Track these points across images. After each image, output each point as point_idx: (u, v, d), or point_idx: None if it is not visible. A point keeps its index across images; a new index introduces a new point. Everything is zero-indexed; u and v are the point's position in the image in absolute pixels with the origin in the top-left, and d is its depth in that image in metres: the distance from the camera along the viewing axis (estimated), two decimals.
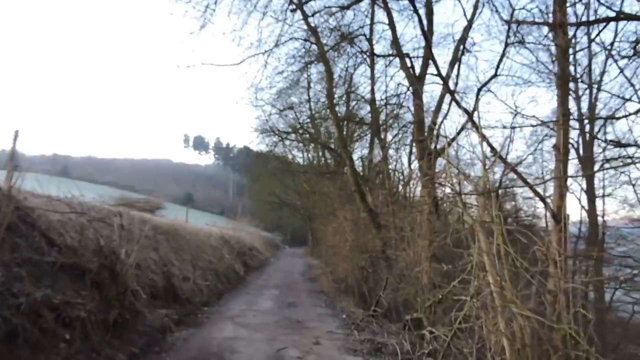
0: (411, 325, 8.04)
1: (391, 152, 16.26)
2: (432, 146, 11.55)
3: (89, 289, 4.87)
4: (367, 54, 13.96)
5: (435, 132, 11.53)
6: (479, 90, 10.55)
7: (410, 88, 12.10)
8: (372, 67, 14.72)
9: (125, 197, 17.26)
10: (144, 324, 5.71)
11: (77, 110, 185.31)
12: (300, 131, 19.38)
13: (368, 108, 18.40)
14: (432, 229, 10.49)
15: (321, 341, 6.54)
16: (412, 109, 12.26)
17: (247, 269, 17.16)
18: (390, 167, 15.95)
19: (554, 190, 7.72)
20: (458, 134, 9.85)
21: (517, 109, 6.90)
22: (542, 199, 7.84)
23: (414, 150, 16.62)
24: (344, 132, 16.61)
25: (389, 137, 16.51)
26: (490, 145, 7.35)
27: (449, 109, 11.10)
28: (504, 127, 7.23)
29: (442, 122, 11.18)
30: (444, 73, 11.62)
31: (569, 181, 9.76)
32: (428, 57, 10.75)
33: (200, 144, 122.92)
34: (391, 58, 14.44)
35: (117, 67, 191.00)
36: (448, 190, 12.72)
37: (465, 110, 7.99)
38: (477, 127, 7.53)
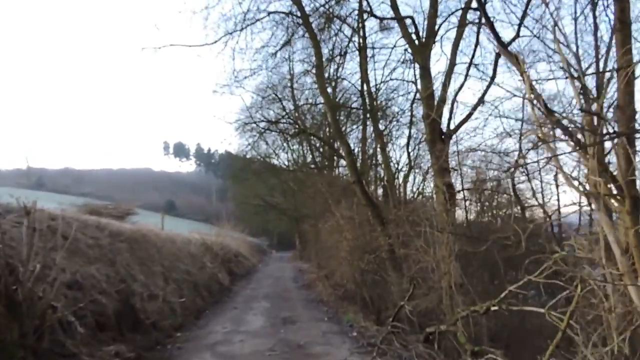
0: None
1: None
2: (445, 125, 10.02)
3: None
4: (358, 26, 12.22)
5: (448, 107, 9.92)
6: (498, 56, 8.99)
7: (413, 58, 10.48)
8: (363, 42, 12.93)
9: (90, 203, 15.29)
10: None
11: (53, 121, 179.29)
12: (284, 121, 17.47)
13: (354, 99, 16.87)
14: (451, 220, 8.90)
15: None
16: (419, 84, 10.53)
17: (232, 278, 15.31)
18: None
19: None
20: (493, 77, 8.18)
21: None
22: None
23: (414, 137, 15.12)
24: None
25: (381, 127, 14.99)
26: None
27: (465, 78, 9.40)
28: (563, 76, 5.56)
29: (456, 94, 9.45)
30: (449, 47, 10.01)
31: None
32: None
33: (180, 151, 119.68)
34: (387, 32, 12.98)
35: (93, 75, 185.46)
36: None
37: (501, 42, 6.19)
38: (518, 63, 5.81)
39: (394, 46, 11.66)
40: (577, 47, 7.52)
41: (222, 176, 77.05)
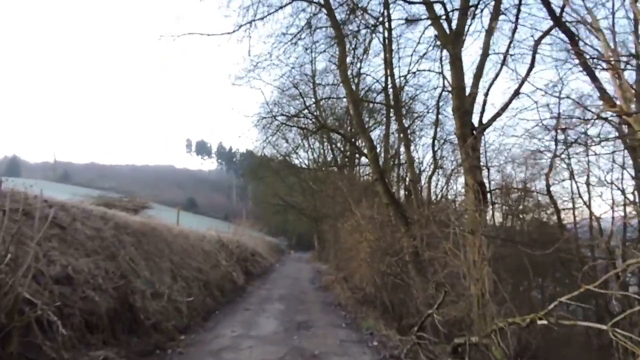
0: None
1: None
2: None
3: None
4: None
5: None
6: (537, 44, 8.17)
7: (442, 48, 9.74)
8: (388, 34, 12.21)
9: (105, 195, 15.03)
10: None
11: (80, 116, 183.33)
12: (304, 115, 16.86)
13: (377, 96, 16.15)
14: (483, 222, 8.20)
15: None
16: (448, 77, 9.74)
17: (248, 277, 14.75)
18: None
19: None
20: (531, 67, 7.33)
21: None
22: None
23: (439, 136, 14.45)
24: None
25: (406, 123, 14.28)
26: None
27: (500, 69, 8.60)
28: None
29: (490, 87, 8.66)
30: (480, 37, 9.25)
31: None
32: None
33: (202, 149, 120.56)
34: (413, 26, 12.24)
35: (119, 73, 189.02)
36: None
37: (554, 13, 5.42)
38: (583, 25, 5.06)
39: (424, 30, 10.81)
40: (615, 41, 6.80)
41: (243, 175, 77.21)
